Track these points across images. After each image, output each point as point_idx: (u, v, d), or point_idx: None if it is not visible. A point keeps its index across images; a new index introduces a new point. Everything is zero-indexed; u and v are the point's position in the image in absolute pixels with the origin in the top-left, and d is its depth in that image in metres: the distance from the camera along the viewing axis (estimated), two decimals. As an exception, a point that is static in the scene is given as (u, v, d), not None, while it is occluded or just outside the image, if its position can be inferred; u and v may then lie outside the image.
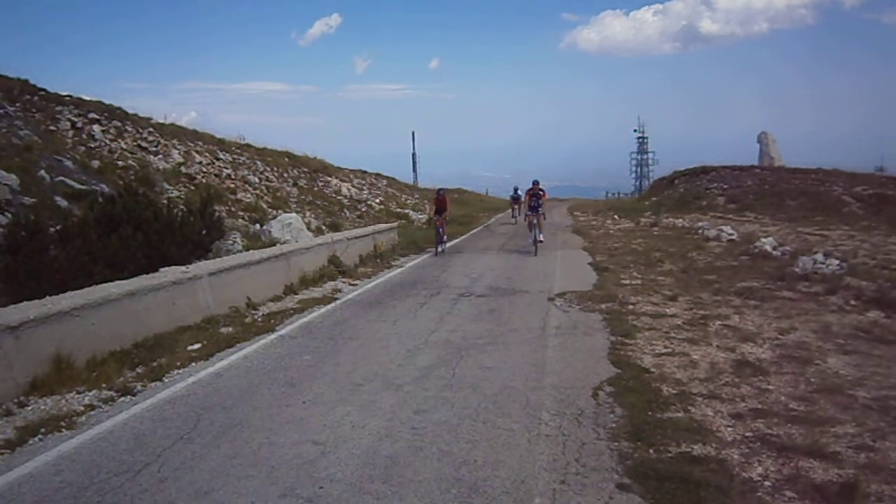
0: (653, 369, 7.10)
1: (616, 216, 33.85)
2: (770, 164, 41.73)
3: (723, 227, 21.41)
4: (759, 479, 4.52)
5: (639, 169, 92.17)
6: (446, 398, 6.36)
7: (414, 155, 61.46)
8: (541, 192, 20.02)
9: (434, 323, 9.74)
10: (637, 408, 5.92)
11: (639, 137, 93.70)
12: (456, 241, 24.39)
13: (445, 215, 20.41)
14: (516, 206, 34.79)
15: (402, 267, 16.68)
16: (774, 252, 15.36)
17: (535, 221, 19.40)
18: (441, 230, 19.97)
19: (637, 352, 7.83)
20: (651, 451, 5.01)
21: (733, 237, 19.64)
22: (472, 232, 28.91)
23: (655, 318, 9.53)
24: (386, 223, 24.07)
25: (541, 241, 19.11)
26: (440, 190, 22.18)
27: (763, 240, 16.79)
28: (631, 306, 10.45)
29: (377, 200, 34.14)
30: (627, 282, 12.91)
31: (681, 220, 26.94)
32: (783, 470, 4.63)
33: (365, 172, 40.37)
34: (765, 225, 24.19)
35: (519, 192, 34.22)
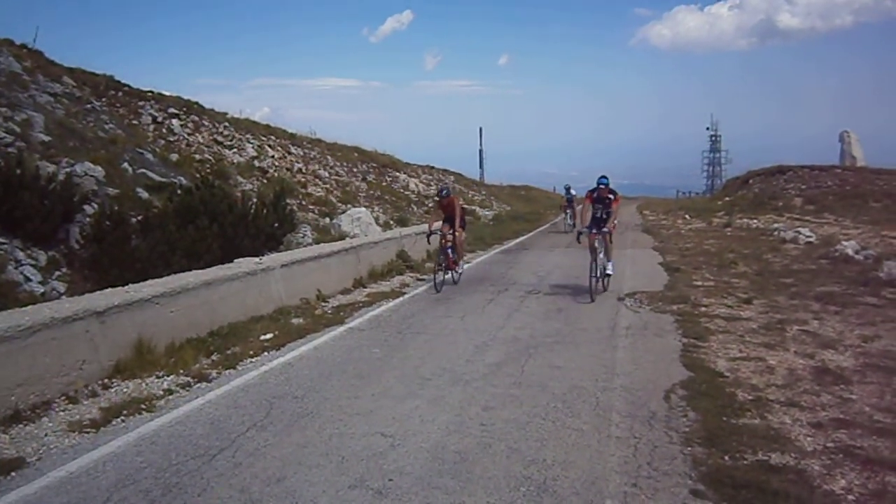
0: (727, 374, 6.90)
1: (687, 216, 33.06)
2: (852, 163, 39.85)
3: (800, 229, 20.66)
4: (843, 492, 4.33)
5: (711, 168, 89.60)
6: (515, 396, 6.33)
7: (481, 151, 61.26)
8: (609, 198, 11.91)
9: (502, 319, 9.72)
10: (711, 412, 5.75)
11: (711, 135, 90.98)
12: (523, 237, 24.34)
13: (456, 228, 12.69)
14: (569, 212, 26.68)
15: (468, 263, 16.64)
16: (857, 256, 14.72)
17: (596, 245, 11.60)
18: (449, 251, 12.69)
19: (710, 355, 7.61)
20: (726, 457, 4.85)
21: (811, 239, 18.93)
22: (539, 229, 28.76)
23: (729, 321, 9.26)
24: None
25: (608, 275, 12.17)
26: (443, 190, 13.62)
27: (844, 243, 16.11)
28: (703, 308, 10.18)
29: (444, 196, 34.23)
30: (700, 283, 12.59)
31: (755, 221, 26.12)
32: (868, 484, 4.42)
33: (433, 168, 40.52)
34: (846, 227, 23.20)
35: (573, 191, 27.22)
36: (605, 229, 11.64)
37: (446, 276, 12.85)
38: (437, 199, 13.44)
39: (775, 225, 23.47)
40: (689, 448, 5.04)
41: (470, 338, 8.65)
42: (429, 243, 13.73)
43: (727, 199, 38.11)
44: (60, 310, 6.45)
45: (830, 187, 32.15)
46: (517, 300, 11.24)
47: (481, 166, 59.93)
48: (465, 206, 33.10)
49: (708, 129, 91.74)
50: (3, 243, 9.84)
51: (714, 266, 14.85)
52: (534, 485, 4.49)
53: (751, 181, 38.86)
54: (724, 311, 9.92)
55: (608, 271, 12.16)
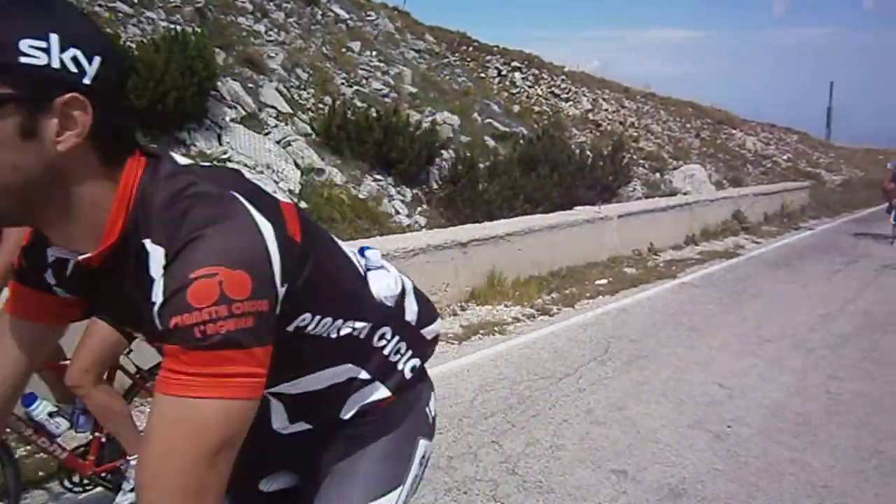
0: None
1: None
2: None
3: None
4: None
5: None
6: (866, 370, 5.96)
7: (830, 109, 54.58)
8: None
9: (852, 292, 8.98)
10: None
11: None
12: (875, 208, 21.61)
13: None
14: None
15: (812, 230, 15.45)
16: None
17: None
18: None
19: None
20: None
21: None
22: (899, 199, 25.26)
23: None
24: (793, 181, 22.29)
25: None
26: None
27: None
28: None
29: (784, 157, 31.55)
30: None
31: None
32: None
33: (774, 126, 37.39)
34: None
35: None
36: None
37: None
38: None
39: None
40: None
41: (813, 306, 8.20)
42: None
43: None
44: (434, 238, 7.53)
45: None
46: (871, 274, 10.25)
47: (828, 125, 53.51)
48: (809, 169, 30.45)
49: None
50: (381, 180, 11.52)
51: None
52: (888, 460, 4.29)
53: None
54: None
55: None
